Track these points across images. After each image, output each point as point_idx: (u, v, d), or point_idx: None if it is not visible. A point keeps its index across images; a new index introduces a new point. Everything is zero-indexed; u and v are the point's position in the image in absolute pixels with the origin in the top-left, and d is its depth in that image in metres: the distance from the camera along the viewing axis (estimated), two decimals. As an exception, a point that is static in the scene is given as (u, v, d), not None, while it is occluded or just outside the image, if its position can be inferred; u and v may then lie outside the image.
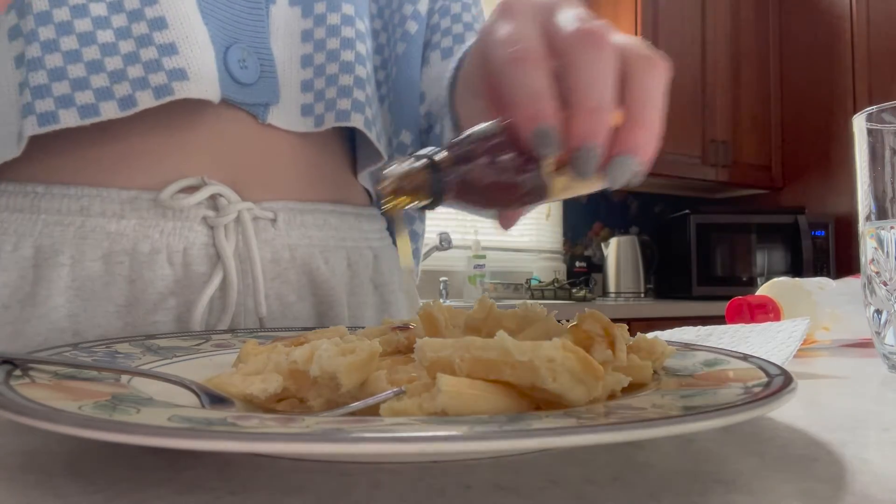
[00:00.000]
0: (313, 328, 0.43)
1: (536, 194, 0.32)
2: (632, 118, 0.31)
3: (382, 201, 0.31)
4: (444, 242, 2.39)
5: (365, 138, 0.58)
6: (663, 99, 0.32)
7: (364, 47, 0.58)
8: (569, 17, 0.32)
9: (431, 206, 0.31)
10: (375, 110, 0.60)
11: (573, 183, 0.31)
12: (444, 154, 0.30)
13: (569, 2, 0.34)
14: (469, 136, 0.31)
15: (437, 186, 0.30)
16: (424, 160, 0.30)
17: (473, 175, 0.30)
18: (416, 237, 0.70)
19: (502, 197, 0.31)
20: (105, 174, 0.50)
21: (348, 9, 0.57)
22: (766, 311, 0.59)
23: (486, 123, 0.32)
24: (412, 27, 0.64)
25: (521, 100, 0.30)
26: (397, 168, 0.30)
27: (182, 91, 0.47)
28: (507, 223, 0.39)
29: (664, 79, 0.32)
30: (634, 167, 0.31)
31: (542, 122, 0.29)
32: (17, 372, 0.27)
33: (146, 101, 0.47)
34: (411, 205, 0.31)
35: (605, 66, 0.30)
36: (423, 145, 0.65)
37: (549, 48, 0.31)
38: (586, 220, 3.05)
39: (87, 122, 0.46)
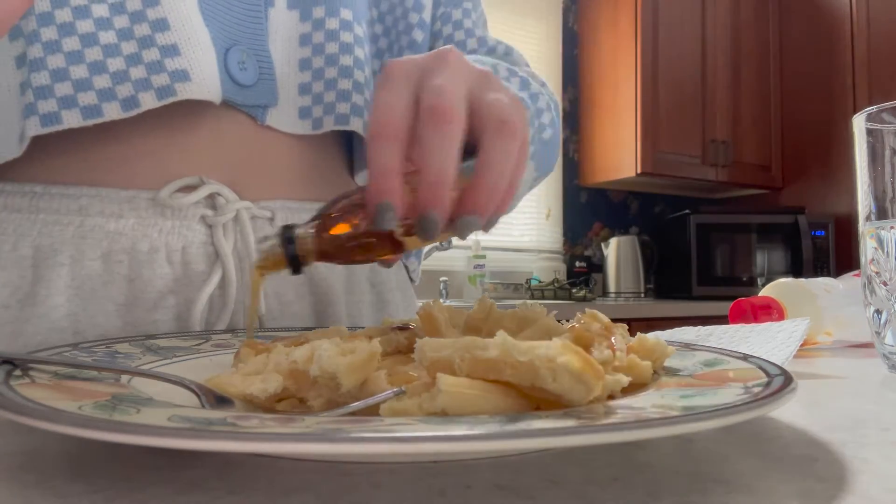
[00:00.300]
0: (312, 328, 0.43)
1: (393, 250, 0.37)
2: (475, 182, 0.35)
3: (253, 272, 0.37)
4: (444, 242, 2.39)
5: (363, 141, 0.59)
6: (510, 159, 0.35)
7: (362, 52, 0.59)
8: (433, 85, 0.35)
9: (294, 273, 0.36)
10: None
11: (426, 240, 0.35)
12: (301, 230, 0.35)
13: (445, 61, 0.36)
14: (327, 207, 0.36)
15: (293, 258, 0.35)
16: (280, 238, 0.35)
17: (331, 244, 0.35)
18: None
19: (362, 256, 0.36)
20: (104, 174, 0.50)
21: (347, 14, 0.57)
22: (770, 313, 0.59)
23: (347, 192, 0.37)
24: (419, 36, 0.65)
25: (371, 174, 0.34)
26: (263, 246, 0.37)
27: (184, 92, 0.47)
28: (385, 265, 0.43)
29: (513, 141, 0.35)
30: (476, 225, 0.35)
31: (383, 197, 0.33)
32: (17, 372, 0.27)
33: (149, 101, 0.47)
34: (273, 272, 0.37)
35: (442, 143, 0.33)
36: None
37: (409, 121, 0.35)
38: (586, 220, 3.05)
39: (90, 122, 0.47)
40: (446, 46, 0.38)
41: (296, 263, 0.35)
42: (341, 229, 0.35)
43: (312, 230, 0.35)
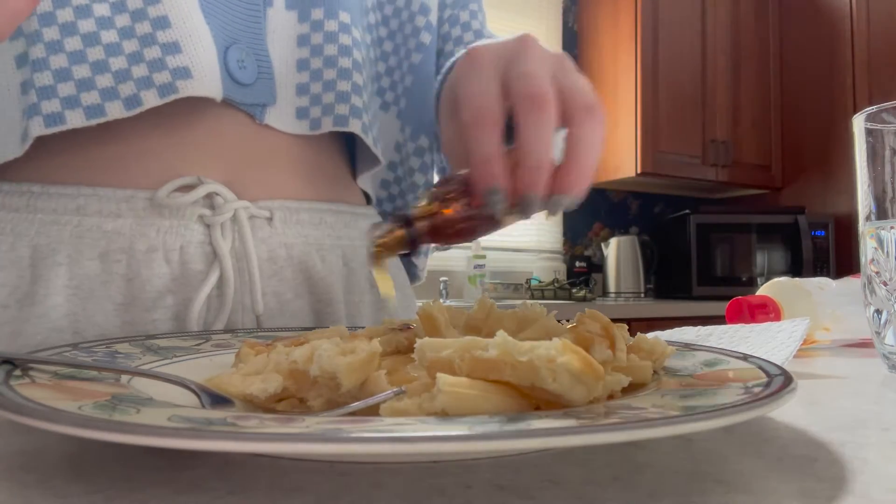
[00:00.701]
0: (312, 328, 0.43)
1: (490, 228, 0.40)
2: (568, 163, 0.37)
3: (371, 256, 0.39)
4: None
5: (363, 142, 0.59)
6: (599, 142, 0.38)
7: (360, 55, 0.59)
8: (522, 72, 0.38)
9: (409, 255, 0.39)
10: (372, 116, 0.61)
11: (519, 218, 0.39)
12: (415, 212, 0.38)
13: (526, 47, 0.39)
14: (433, 192, 0.39)
15: (410, 240, 0.38)
16: (399, 222, 0.38)
17: (439, 225, 0.38)
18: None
19: (464, 235, 0.39)
20: (102, 174, 0.50)
21: (345, 17, 0.58)
22: (767, 312, 0.59)
23: (449, 177, 0.40)
24: (426, 38, 0.65)
25: (476, 161, 0.37)
26: (380, 230, 0.39)
27: (186, 89, 0.48)
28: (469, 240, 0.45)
29: (600, 124, 0.38)
30: (567, 202, 0.38)
31: (492, 182, 0.36)
32: (17, 372, 0.27)
33: (151, 100, 0.47)
34: (393, 255, 0.39)
35: (543, 129, 0.36)
36: (439, 148, 0.69)
37: (503, 108, 0.38)
38: (586, 220, 3.05)
39: (94, 122, 0.47)
40: (522, 33, 0.40)
41: (413, 244, 0.38)
42: (450, 212, 0.38)
43: (425, 214, 0.38)
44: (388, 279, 0.41)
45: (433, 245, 0.39)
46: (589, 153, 0.38)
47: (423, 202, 0.38)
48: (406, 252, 0.38)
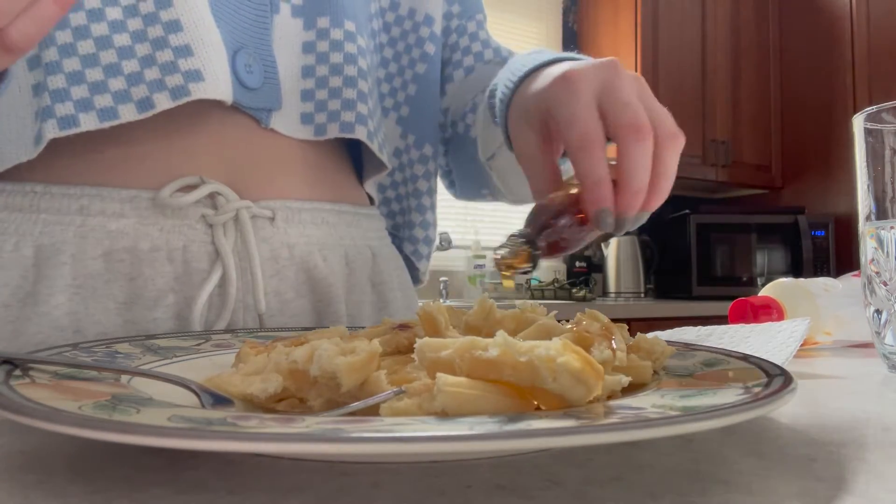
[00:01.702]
0: (313, 328, 0.43)
1: (589, 240, 0.44)
2: (654, 187, 0.42)
3: (501, 273, 0.43)
4: (444, 242, 2.39)
5: (369, 148, 0.60)
6: (676, 164, 0.43)
7: (365, 63, 0.60)
8: (623, 101, 0.41)
9: (531, 271, 0.43)
10: (377, 122, 0.62)
11: (612, 233, 0.43)
12: (534, 233, 0.42)
13: (618, 74, 0.42)
14: (542, 212, 0.43)
15: (535, 256, 0.42)
16: (524, 240, 0.42)
17: (554, 242, 0.42)
18: (429, 242, 0.71)
19: (571, 248, 0.44)
20: (105, 174, 0.50)
21: (350, 25, 0.58)
22: (770, 313, 0.59)
23: (555, 196, 0.43)
24: (431, 48, 0.67)
25: (587, 183, 0.41)
26: (506, 249, 0.42)
27: (198, 92, 0.48)
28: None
29: (680, 148, 0.42)
30: (646, 218, 0.43)
31: (604, 203, 0.40)
32: (17, 372, 0.27)
33: (163, 102, 0.48)
34: (516, 272, 0.43)
35: (646, 158, 0.40)
36: (447, 153, 0.73)
37: (604, 132, 0.41)
38: (586, 220, 3.04)
39: (107, 125, 0.47)
40: (608, 59, 0.44)
41: (536, 261, 0.42)
42: (563, 230, 0.42)
43: (539, 232, 0.42)
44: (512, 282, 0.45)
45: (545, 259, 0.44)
46: (671, 175, 0.42)
47: (532, 224, 0.42)
48: (530, 268, 0.42)
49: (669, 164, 0.42)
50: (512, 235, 0.42)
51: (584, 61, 0.45)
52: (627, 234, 2.99)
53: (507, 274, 0.43)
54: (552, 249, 0.42)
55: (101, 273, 0.48)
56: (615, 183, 0.41)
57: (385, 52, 0.67)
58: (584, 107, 0.41)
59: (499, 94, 0.53)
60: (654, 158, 0.41)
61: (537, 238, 0.42)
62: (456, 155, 0.72)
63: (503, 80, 0.53)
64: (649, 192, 0.42)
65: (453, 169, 0.73)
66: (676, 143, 0.42)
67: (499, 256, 0.42)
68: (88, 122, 0.47)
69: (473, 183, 0.72)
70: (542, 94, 0.46)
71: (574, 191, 0.42)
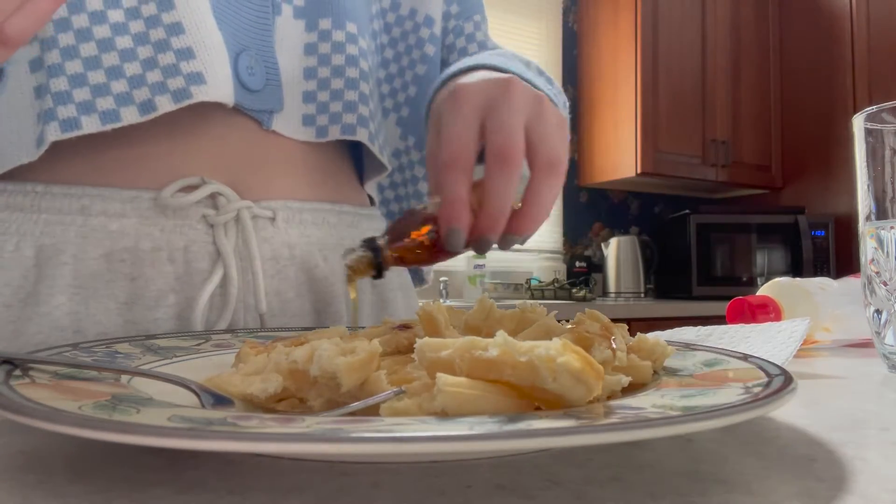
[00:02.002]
0: (313, 328, 0.43)
1: (448, 257, 0.44)
2: (525, 210, 0.42)
3: (346, 277, 0.44)
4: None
5: (370, 149, 0.60)
6: (554, 195, 0.43)
7: (367, 64, 0.60)
8: (500, 124, 0.41)
9: (376, 278, 0.43)
10: (378, 124, 0.62)
11: (475, 252, 0.44)
12: (381, 241, 0.42)
13: (509, 94, 0.42)
14: (400, 223, 0.43)
15: (378, 264, 0.42)
16: (367, 248, 0.42)
17: (404, 253, 0.43)
18: None
19: (424, 262, 0.44)
20: (107, 175, 0.50)
21: (352, 27, 0.58)
22: (768, 312, 0.59)
23: (416, 209, 0.43)
24: (430, 50, 0.67)
25: (445, 201, 0.41)
26: (352, 254, 0.43)
27: (200, 94, 0.48)
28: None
29: (558, 179, 0.43)
30: (516, 242, 0.43)
31: (455, 223, 0.41)
32: (17, 372, 0.27)
33: (165, 105, 0.48)
34: (362, 277, 0.43)
35: (506, 184, 0.40)
36: None
37: (476, 152, 0.42)
38: (586, 220, 3.05)
39: (109, 127, 0.47)
40: (508, 76, 0.44)
41: (379, 269, 0.42)
42: (412, 242, 0.42)
43: (390, 241, 0.42)
44: (355, 294, 0.45)
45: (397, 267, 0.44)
46: (543, 204, 0.42)
47: (386, 234, 0.43)
48: (374, 275, 0.43)
49: (543, 194, 0.42)
50: (364, 240, 0.43)
51: (481, 77, 0.44)
52: (626, 233, 2.98)
53: (350, 277, 0.43)
54: (400, 262, 0.43)
55: (102, 273, 0.48)
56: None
57: (386, 52, 0.67)
58: (459, 126, 0.42)
59: (430, 92, 0.54)
60: (529, 185, 0.42)
61: (389, 246, 0.42)
62: None
63: (440, 78, 0.54)
64: (519, 217, 0.42)
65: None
66: (552, 173, 0.42)
67: (346, 261, 0.43)
68: (90, 125, 0.47)
69: None
70: (437, 105, 0.46)
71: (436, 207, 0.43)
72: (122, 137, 0.50)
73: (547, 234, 2.92)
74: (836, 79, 2.89)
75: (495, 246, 0.43)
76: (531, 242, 2.84)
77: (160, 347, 0.37)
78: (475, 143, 0.42)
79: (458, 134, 0.42)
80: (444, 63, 0.70)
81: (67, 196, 0.49)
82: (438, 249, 0.43)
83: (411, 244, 0.42)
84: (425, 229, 0.42)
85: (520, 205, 0.43)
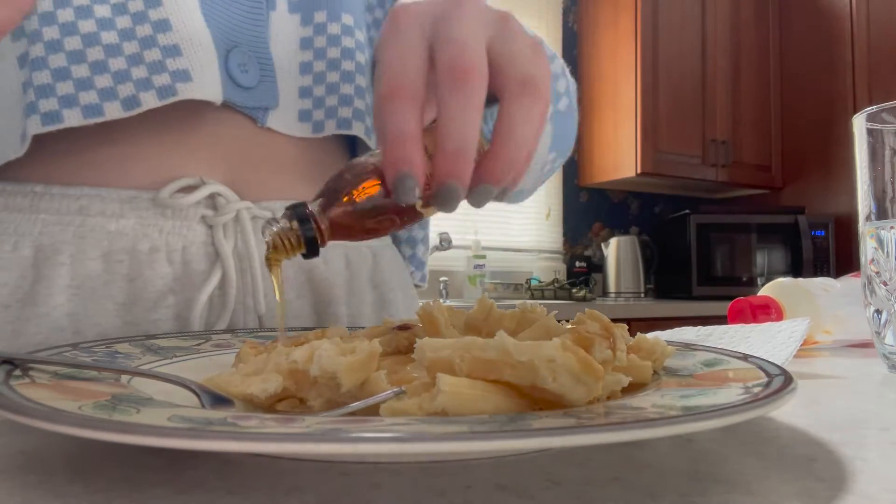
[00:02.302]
0: (313, 328, 0.43)
1: (409, 220, 0.34)
2: (495, 147, 0.32)
3: (266, 260, 0.34)
4: (444, 242, 2.39)
5: (366, 145, 0.59)
6: (535, 121, 0.32)
7: (363, 57, 0.59)
8: (449, 37, 0.32)
9: (309, 255, 0.33)
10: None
11: (440, 209, 0.33)
12: (313, 206, 0.32)
13: (460, 4, 0.33)
14: (335, 180, 0.33)
15: (310, 239, 0.32)
16: (293, 218, 0.32)
17: (344, 219, 0.32)
18: (413, 243, 0.70)
19: (377, 229, 0.34)
20: (105, 174, 0.50)
21: (348, 19, 0.58)
22: (769, 312, 0.59)
23: (356, 161, 0.34)
24: None
25: (387, 140, 0.31)
26: (273, 227, 0.33)
27: (185, 92, 0.48)
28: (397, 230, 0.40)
29: (537, 100, 0.32)
30: (492, 194, 0.33)
31: (403, 167, 0.31)
32: (17, 372, 0.27)
33: (150, 101, 0.47)
34: (291, 257, 0.33)
35: (468, 107, 0.31)
36: None
37: (425, 78, 0.32)
38: (586, 220, 3.05)
39: (91, 121, 0.47)
40: None
41: (312, 245, 0.33)
42: (356, 202, 0.32)
43: (324, 207, 0.32)
44: (280, 283, 0.35)
45: (342, 239, 0.34)
46: (520, 137, 0.32)
47: (319, 196, 0.33)
48: (307, 253, 0.33)
49: (516, 122, 0.32)
50: (288, 207, 0.32)
51: None
52: (626, 233, 2.98)
53: (272, 259, 0.33)
54: (341, 232, 0.33)
55: (100, 274, 0.48)
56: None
57: None
58: (400, 47, 0.32)
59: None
60: (499, 115, 0.32)
61: (324, 213, 0.32)
62: None
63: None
64: (490, 158, 0.32)
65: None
66: (526, 92, 0.32)
67: (266, 237, 0.33)
68: (72, 119, 0.46)
69: None
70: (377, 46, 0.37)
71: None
72: (119, 135, 0.50)
73: (547, 234, 2.92)
74: (836, 79, 2.89)
75: (474, 204, 0.33)
76: (531, 242, 2.84)
77: (160, 347, 0.37)
78: (421, 69, 0.32)
79: (398, 56, 0.32)
80: None
81: (66, 196, 0.49)
82: (390, 210, 0.33)
83: (353, 207, 0.32)
84: (370, 184, 0.32)
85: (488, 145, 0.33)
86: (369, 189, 0.32)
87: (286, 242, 0.33)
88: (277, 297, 0.35)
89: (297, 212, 0.32)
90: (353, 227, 0.33)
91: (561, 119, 0.59)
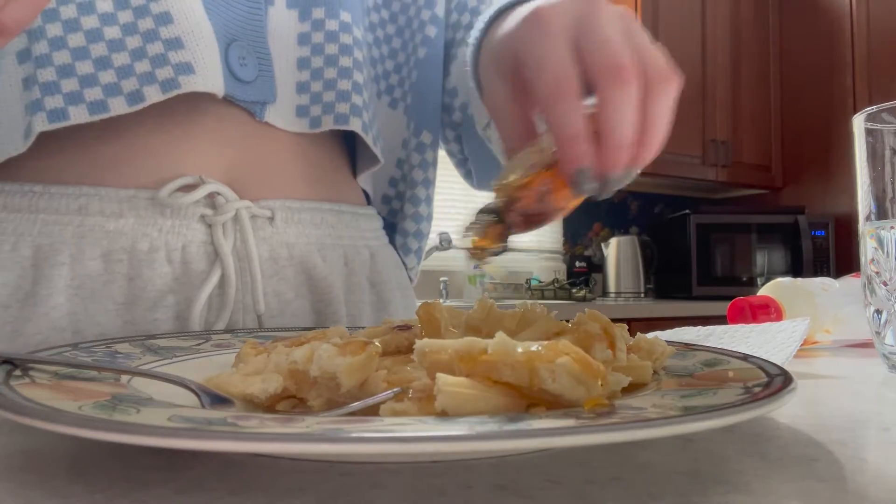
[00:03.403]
0: (312, 328, 0.43)
1: (568, 208, 0.39)
2: (643, 139, 0.36)
3: (471, 256, 0.38)
4: (444, 242, 2.39)
5: (364, 141, 0.59)
6: (671, 112, 0.36)
7: (361, 54, 0.59)
8: (601, 39, 0.35)
9: (500, 253, 0.38)
10: (372, 115, 0.61)
11: (595, 195, 0.37)
12: (501, 203, 0.36)
13: (597, 7, 0.36)
14: (511, 178, 0.37)
15: (508, 234, 0.37)
16: (494, 216, 0.36)
17: (529, 211, 0.37)
18: (420, 237, 0.70)
19: (549, 218, 0.38)
20: (103, 173, 0.50)
21: (346, 16, 0.58)
22: (768, 312, 0.59)
23: (527, 158, 0.37)
24: (431, 31, 0.65)
25: (562, 139, 0.35)
26: (476, 228, 0.37)
27: (188, 85, 0.48)
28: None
29: (675, 93, 0.36)
30: (634, 176, 0.37)
31: (582, 161, 0.35)
32: (17, 372, 0.27)
33: (153, 95, 0.47)
34: (493, 251, 0.38)
35: (629, 105, 0.34)
36: (460, 139, 0.69)
37: (581, 79, 0.35)
38: (586, 220, 3.05)
39: (97, 118, 0.47)
40: None
41: (508, 235, 0.37)
42: (534, 200, 0.36)
43: (507, 205, 0.36)
44: (492, 268, 0.40)
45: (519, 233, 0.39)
46: (663, 126, 0.36)
47: (504, 188, 0.37)
48: (503, 248, 0.37)
49: (661, 112, 0.36)
50: (481, 212, 0.37)
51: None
52: (626, 233, 2.98)
53: (479, 258, 0.38)
54: (529, 223, 0.37)
55: (99, 274, 0.48)
56: (597, 137, 0.35)
57: (394, 42, 0.66)
58: (554, 47, 0.36)
59: (470, 39, 0.49)
60: (646, 102, 0.36)
61: (509, 211, 0.36)
62: (469, 140, 0.69)
63: (477, 24, 0.49)
64: (640, 143, 0.36)
65: (469, 156, 0.70)
66: (669, 86, 0.36)
67: (469, 238, 0.37)
68: (78, 115, 0.46)
69: (490, 169, 0.69)
70: (510, 35, 0.40)
71: (549, 149, 0.36)
72: (117, 132, 0.50)
73: (547, 234, 2.92)
74: (836, 79, 2.89)
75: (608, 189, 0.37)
76: (531, 242, 2.84)
77: (160, 347, 0.37)
78: (577, 69, 0.35)
79: (553, 56, 0.35)
80: (449, 43, 0.68)
81: (65, 196, 0.49)
82: (562, 200, 0.37)
83: (534, 200, 0.36)
84: (543, 179, 0.36)
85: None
86: (549, 183, 0.36)
87: (488, 237, 0.37)
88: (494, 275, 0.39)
89: (496, 211, 0.37)
90: (533, 218, 0.37)
91: None
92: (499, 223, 0.36)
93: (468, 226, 0.37)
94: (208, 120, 0.53)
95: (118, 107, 0.47)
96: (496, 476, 0.22)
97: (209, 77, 0.49)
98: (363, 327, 0.42)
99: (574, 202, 0.38)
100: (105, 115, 0.47)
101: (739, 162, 2.99)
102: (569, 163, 0.35)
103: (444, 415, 0.22)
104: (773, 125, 3.12)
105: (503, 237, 0.37)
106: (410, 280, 0.72)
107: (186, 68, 0.48)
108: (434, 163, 0.68)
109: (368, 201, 0.68)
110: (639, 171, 0.37)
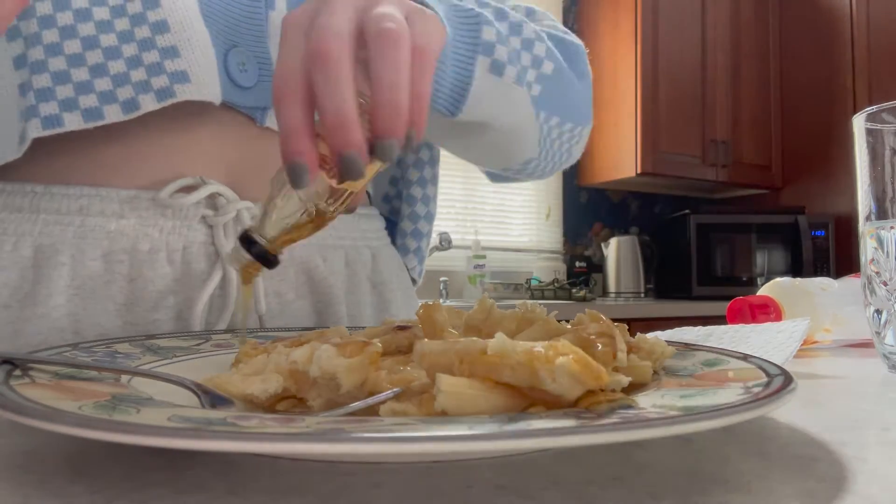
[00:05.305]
0: (313, 328, 0.43)
1: (341, 202, 0.38)
2: (374, 104, 0.34)
3: (241, 280, 0.39)
4: (444, 242, 2.39)
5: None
6: (403, 68, 0.34)
7: None
8: (316, 26, 0.34)
9: (271, 267, 0.37)
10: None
11: (353, 180, 0.35)
12: (254, 224, 0.36)
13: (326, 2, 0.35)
14: (270, 193, 0.36)
15: (261, 256, 0.36)
16: (242, 243, 0.36)
17: (281, 223, 0.36)
18: (419, 236, 0.70)
19: (318, 223, 0.37)
20: (105, 175, 0.50)
21: None
22: (768, 312, 0.59)
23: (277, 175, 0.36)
24: None
25: (280, 137, 0.34)
26: (232, 256, 0.37)
27: (184, 93, 0.48)
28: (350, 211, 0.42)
29: (396, 48, 0.34)
30: (394, 147, 0.34)
31: (295, 158, 0.34)
32: (17, 372, 0.27)
33: (148, 103, 0.47)
34: (258, 273, 0.38)
35: (338, 85, 0.33)
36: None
37: (306, 73, 0.34)
38: (586, 220, 3.05)
39: (91, 125, 0.47)
40: None
41: (265, 259, 0.37)
42: (286, 211, 0.36)
43: (262, 222, 0.36)
44: (250, 295, 0.40)
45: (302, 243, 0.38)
46: (389, 85, 0.34)
47: (262, 208, 0.37)
48: (268, 266, 0.37)
49: (383, 71, 0.34)
50: (238, 238, 0.37)
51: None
52: (626, 233, 2.97)
53: (246, 277, 0.38)
54: (284, 238, 0.36)
55: (100, 274, 0.48)
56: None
57: None
58: (283, 54, 0.35)
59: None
60: (370, 72, 0.34)
61: (262, 228, 0.36)
62: (437, 140, 0.67)
63: None
64: (372, 110, 0.34)
65: (459, 155, 0.69)
66: (382, 39, 0.34)
67: (235, 266, 0.38)
68: (72, 122, 0.46)
69: (483, 164, 0.68)
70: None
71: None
72: (119, 136, 0.50)
73: (547, 234, 2.92)
74: (836, 79, 2.89)
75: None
76: (531, 242, 2.84)
77: (160, 347, 0.37)
78: (303, 64, 0.34)
79: (282, 60, 0.35)
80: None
81: (66, 196, 0.49)
82: (323, 204, 0.36)
83: (281, 212, 0.36)
84: (288, 189, 0.36)
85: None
86: (288, 191, 0.36)
87: (246, 264, 0.37)
88: (242, 311, 0.39)
89: (245, 235, 0.36)
90: (296, 231, 0.37)
91: (550, 81, 0.59)
92: (251, 255, 0.36)
93: (230, 253, 0.37)
94: (209, 124, 0.53)
95: (113, 114, 0.47)
96: (496, 476, 0.22)
97: (205, 85, 0.49)
98: (364, 327, 0.42)
99: (340, 194, 0.37)
100: (99, 123, 0.47)
101: (739, 162, 2.99)
102: (286, 159, 0.34)
103: (444, 415, 0.22)
104: (773, 125, 3.12)
105: (258, 265, 0.37)
106: (414, 281, 0.72)
107: (182, 77, 0.48)
108: (431, 162, 0.68)
109: (370, 201, 0.68)
110: (410, 140, 0.35)
